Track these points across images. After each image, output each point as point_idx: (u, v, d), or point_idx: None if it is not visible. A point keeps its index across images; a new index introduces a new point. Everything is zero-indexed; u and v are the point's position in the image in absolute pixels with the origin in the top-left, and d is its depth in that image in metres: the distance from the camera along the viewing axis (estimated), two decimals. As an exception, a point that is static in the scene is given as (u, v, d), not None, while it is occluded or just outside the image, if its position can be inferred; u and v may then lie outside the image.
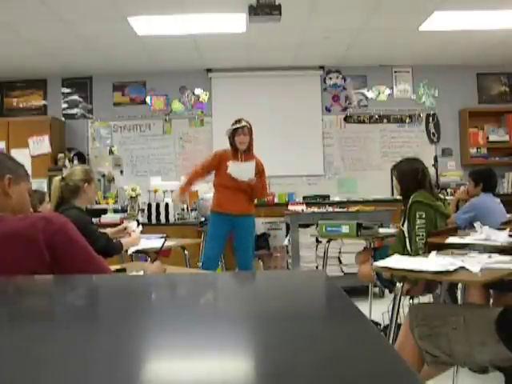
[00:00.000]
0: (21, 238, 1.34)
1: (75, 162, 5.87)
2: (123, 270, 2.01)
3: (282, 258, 5.49)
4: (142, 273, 1.93)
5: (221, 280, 1.17)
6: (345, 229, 3.43)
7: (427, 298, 3.05)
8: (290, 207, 4.94)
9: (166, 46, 5.35)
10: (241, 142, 3.80)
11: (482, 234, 2.65)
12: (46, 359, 0.54)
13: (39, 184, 5.47)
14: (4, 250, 1.32)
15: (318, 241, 4.74)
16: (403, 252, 2.75)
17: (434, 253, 2.21)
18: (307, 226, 4.68)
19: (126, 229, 3.08)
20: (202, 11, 4.38)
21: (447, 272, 1.81)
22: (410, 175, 2.95)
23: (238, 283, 1.09)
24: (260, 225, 5.63)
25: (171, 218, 5.05)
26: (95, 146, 6.35)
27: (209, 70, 6.31)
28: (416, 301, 2.82)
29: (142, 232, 3.16)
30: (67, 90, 6.38)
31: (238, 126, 3.79)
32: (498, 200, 3.70)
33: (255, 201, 4.12)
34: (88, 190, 2.75)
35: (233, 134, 3.81)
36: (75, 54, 5.48)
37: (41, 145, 5.91)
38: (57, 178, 2.77)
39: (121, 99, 6.37)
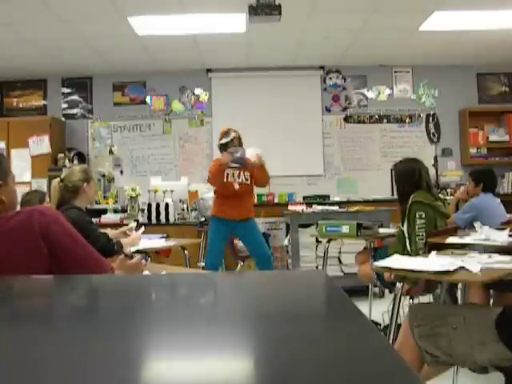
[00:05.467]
0: (19, 230, 1.36)
1: (75, 162, 5.87)
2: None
3: (281, 258, 5.49)
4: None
5: (221, 280, 1.17)
6: (345, 229, 3.43)
7: (427, 298, 3.05)
8: (290, 207, 4.94)
9: (166, 46, 5.35)
10: None
11: (482, 234, 2.65)
12: (46, 359, 0.54)
13: (39, 184, 5.47)
14: (4, 246, 1.34)
15: (317, 241, 4.74)
16: (403, 252, 2.75)
17: (433, 253, 2.22)
18: (307, 226, 4.67)
19: (126, 232, 3.08)
20: (202, 11, 4.38)
21: (447, 272, 1.81)
22: (405, 176, 2.96)
23: (238, 283, 1.09)
24: (260, 225, 5.62)
25: (171, 218, 5.05)
26: (95, 145, 6.35)
27: (209, 70, 6.31)
28: (416, 301, 2.82)
29: (142, 232, 3.15)
30: (67, 90, 6.38)
31: (227, 139, 3.91)
32: (498, 200, 3.70)
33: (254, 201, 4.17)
34: (88, 190, 2.76)
35: (224, 148, 3.92)
36: (75, 54, 5.48)
37: (41, 145, 5.91)
38: (56, 180, 2.77)
39: (121, 99, 6.36)
